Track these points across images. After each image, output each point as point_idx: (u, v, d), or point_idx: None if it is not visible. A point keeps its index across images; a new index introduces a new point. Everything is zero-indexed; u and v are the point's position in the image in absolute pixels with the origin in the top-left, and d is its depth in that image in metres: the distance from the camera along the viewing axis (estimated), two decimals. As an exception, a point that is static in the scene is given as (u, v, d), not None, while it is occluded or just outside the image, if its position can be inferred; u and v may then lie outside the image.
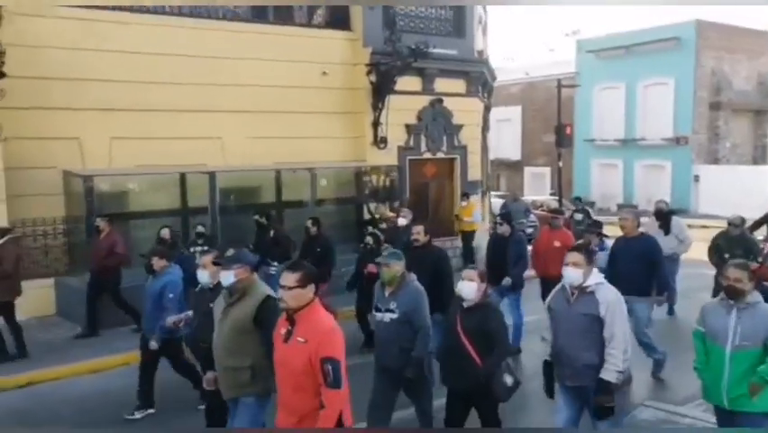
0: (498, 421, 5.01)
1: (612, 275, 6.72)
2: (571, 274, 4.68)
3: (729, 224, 9.38)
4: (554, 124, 21.45)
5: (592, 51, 31.86)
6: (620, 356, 4.56)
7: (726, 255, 8.46)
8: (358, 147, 13.49)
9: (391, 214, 11.92)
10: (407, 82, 13.60)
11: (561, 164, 18.47)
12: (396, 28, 12.56)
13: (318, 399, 3.64)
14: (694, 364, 4.92)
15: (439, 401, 5.37)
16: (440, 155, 14.64)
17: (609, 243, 8.28)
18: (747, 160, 30.94)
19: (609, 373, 4.56)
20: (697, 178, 28.84)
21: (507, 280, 8.17)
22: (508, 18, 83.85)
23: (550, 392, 4.92)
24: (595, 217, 13.44)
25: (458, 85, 14.72)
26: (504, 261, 8.22)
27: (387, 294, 5.31)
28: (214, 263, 4.97)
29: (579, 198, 16.35)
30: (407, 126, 13.99)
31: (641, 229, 7.92)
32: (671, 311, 10.09)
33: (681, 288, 10.60)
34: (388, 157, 13.66)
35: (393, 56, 12.57)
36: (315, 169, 12.33)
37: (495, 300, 7.00)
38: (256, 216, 10.40)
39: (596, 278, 4.73)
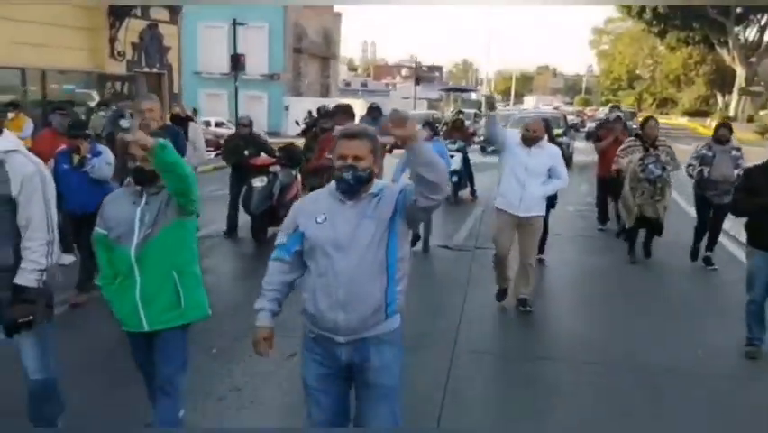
0: None
1: None
2: None
3: (238, 123, 9.66)
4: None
5: (197, -7, 36.10)
6: (42, 249, 3.10)
7: (246, 152, 8.89)
8: (98, 58, 15.89)
9: None
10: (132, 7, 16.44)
11: (237, 86, 22.86)
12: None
13: None
14: (95, 281, 3.60)
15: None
16: (155, 70, 17.88)
17: None
18: (317, 93, 40.00)
19: (26, 275, 3.08)
20: (287, 107, 36.38)
21: None
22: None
23: None
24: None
25: (164, 13, 18.03)
26: None
27: None
28: None
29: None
30: (133, 44, 16.86)
31: None
32: None
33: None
34: (121, 68, 16.43)
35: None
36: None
37: None
38: None
39: (6, 144, 3.12)
